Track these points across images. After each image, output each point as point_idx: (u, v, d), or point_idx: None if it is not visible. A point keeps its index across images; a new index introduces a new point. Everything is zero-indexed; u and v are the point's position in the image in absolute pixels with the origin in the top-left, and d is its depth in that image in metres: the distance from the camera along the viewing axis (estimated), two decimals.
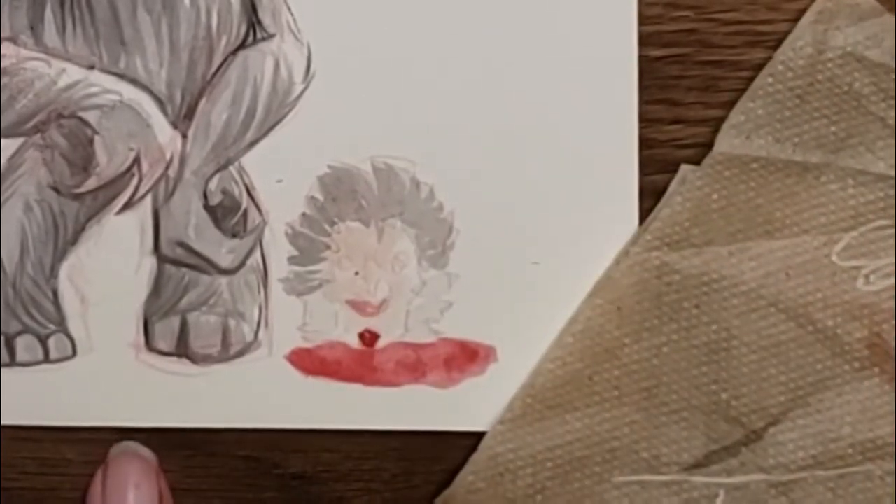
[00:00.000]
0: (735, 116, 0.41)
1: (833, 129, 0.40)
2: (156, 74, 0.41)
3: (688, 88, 0.41)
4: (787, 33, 0.40)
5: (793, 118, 0.40)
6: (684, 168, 0.41)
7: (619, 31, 0.41)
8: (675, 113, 0.41)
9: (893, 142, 0.40)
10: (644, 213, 0.41)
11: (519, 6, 0.41)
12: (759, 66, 0.41)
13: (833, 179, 0.40)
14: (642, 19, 0.41)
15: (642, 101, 0.41)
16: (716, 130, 0.41)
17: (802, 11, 0.40)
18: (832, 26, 0.40)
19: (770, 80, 0.40)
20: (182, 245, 0.41)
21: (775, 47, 0.40)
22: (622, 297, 0.40)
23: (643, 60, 0.41)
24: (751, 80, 0.41)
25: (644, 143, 0.41)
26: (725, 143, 0.40)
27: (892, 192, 0.40)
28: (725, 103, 0.41)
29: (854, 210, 0.40)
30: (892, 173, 0.40)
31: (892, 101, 0.40)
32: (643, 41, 0.41)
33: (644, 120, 0.41)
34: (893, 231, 0.40)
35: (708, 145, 0.41)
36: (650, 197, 0.41)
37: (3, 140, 0.41)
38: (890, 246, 0.40)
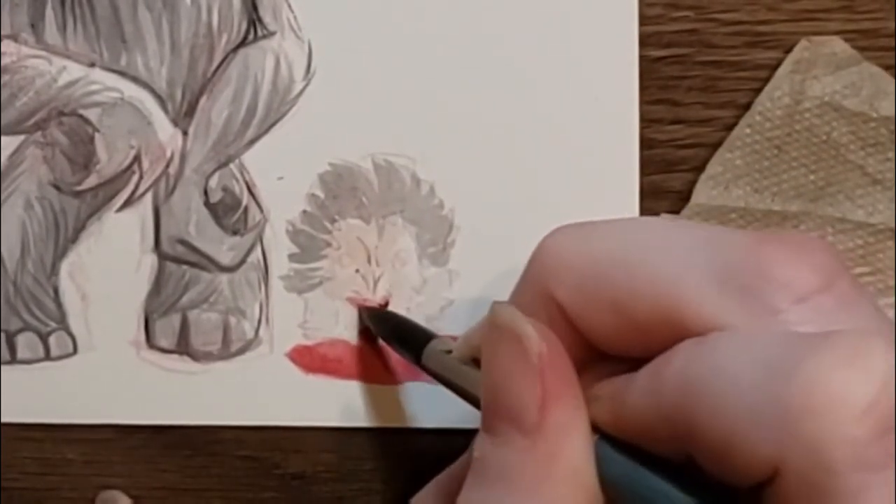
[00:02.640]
0: (713, 167, 0.40)
1: (812, 178, 0.40)
2: (156, 72, 0.41)
3: (688, 88, 0.41)
4: (787, 33, 0.40)
5: (771, 168, 0.40)
6: (664, 216, 0.41)
7: (619, 31, 0.41)
8: (675, 113, 0.41)
9: (872, 190, 0.40)
10: (644, 213, 0.41)
11: (519, 6, 0.41)
12: (759, 66, 0.41)
13: (812, 228, 0.40)
14: (642, 19, 0.41)
15: (642, 101, 0.41)
16: (716, 130, 0.41)
17: (802, 12, 0.41)
18: (809, 76, 0.40)
19: (748, 130, 0.40)
20: (183, 242, 0.41)
21: (775, 47, 0.41)
22: None
23: (643, 60, 0.41)
24: (751, 80, 0.41)
25: (644, 143, 0.41)
26: (703, 194, 0.40)
27: (872, 239, 0.40)
28: (725, 103, 0.41)
29: None
30: (872, 221, 0.40)
31: (871, 150, 0.40)
32: (643, 41, 0.41)
33: (644, 120, 0.41)
34: (874, 278, 0.40)
35: (708, 145, 0.41)
36: (650, 197, 0.41)
37: (3, 138, 0.41)
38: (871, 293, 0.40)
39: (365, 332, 0.41)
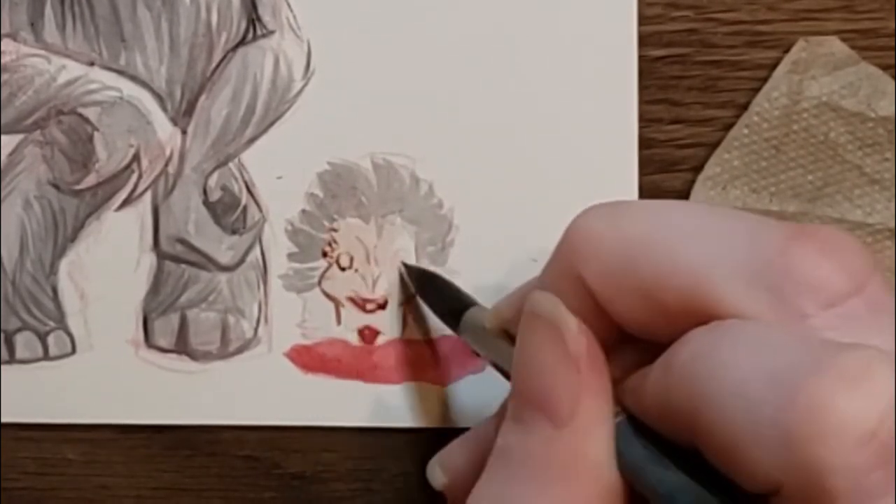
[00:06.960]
0: (710, 168, 0.40)
1: (810, 178, 0.40)
2: (156, 71, 0.41)
3: (688, 88, 0.41)
4: (786, 33, 0.40)
5: (769, 168, 0.40)
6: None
7: (619, 31, 0.41)
8: (675, 113, 0.41)
9: (870, 190, 0.40)
10: None
11: (519, 6, 0.41)
12: (759, 66, 0.41)
13: None
14: (642, 19, 0.41)
15: (642, 101, 0.41)
16: (716, 130, 0.41)
17: (802, 11, 0.41)
18: (807, 76, 0.40)
19: (745, 131, 0.40)
20: (182, 241, 0.41)
21: (775, 47, 0.41)
22: None
23: (643, 60, 0.41)
24: (750, 79, 0.41)
25: (644, 143, 0.41)
26: (701, 194, 0.40)
27: (870, 239, 0.40)
28: (725, 103, 0.41)
29: None
30: (870, 221, 0.40)
31: (869, 150, 0.40)
32: (643, 41, 0.41)
33: (644, 120, 0.41)
34: None
35: (707, 145, 0.41)
36: (649, 197, 0.41)
37: (3, 137, 0.41)
38: None
39: (364, 331, 0.41)
